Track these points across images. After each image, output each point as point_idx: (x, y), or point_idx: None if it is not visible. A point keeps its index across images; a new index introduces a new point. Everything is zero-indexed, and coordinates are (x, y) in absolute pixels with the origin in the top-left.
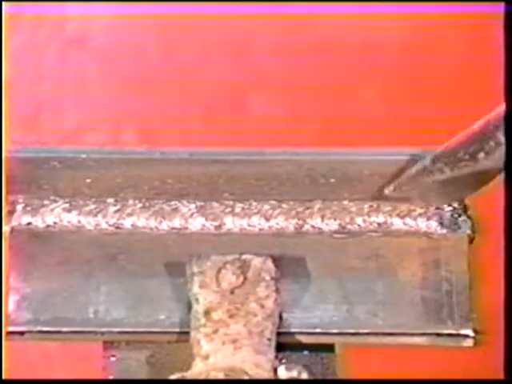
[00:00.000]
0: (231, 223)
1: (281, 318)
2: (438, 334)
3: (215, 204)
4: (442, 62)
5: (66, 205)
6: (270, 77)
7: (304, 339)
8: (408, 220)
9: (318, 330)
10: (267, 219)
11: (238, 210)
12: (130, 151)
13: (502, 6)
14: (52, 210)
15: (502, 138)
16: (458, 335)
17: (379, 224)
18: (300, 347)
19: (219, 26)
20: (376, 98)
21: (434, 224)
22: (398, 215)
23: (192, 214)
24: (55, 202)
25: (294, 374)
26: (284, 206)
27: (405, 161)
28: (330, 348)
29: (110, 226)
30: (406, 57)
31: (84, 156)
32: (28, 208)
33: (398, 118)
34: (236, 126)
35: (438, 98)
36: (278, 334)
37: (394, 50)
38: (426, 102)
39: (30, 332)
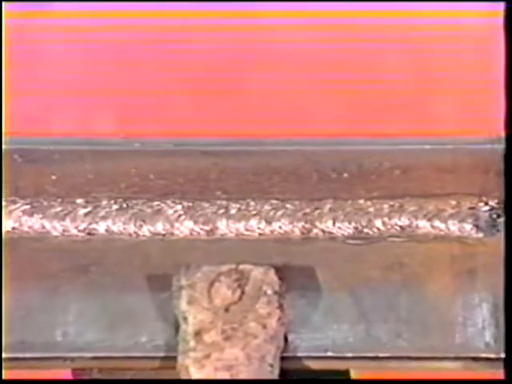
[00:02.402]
0: (225, 227)
1: (286, 339)
2: (475, 359)
3: (206, 204)
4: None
5: (27, 206)
6: (271, 51)
7: (313, 365)
8: (437, 222)
9: (329, 354)
10: (268, 222)
11: (233, 211)
12: (103, 141)
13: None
14: (10, 212)
15: None
16: (499, 360)
17: (402, 227)
18: (309, 374)
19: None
20: (398, 78)
21: (468, 227)
22: (424, 216)
23: (178, 217)
24: (14, 203)
25: None
26: (288, 206)
27: (431, 151)
28: (344, 375)
29: (79, 231)
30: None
31: (49, 147)
32: None
33: (423, 102)
34: (230, 110)
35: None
36: (283, 358)
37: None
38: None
39: None
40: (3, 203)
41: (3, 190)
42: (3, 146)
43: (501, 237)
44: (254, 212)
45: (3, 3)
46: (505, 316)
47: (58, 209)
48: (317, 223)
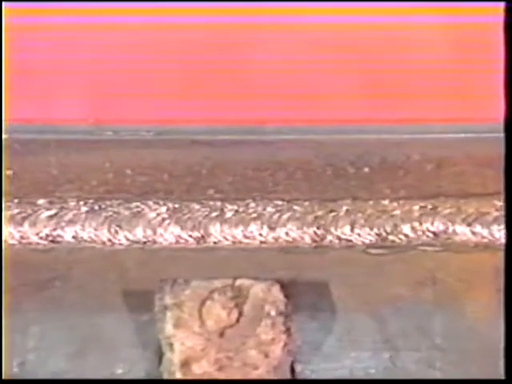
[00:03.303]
0: (219, 233)
1: (293, 370)
2: None
3: (195, 206)
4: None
5: None
6: (274, 23)
7: None
8: (478, 227)
9: None
10: (272, 228)
11: (228, 214)
12: (70, 129)
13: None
14: None
15: None
16: None
17: (436, 234)
18: None
19: None
20: (428, 52)
21: None
22: (463, 221)
23: (162, 221)
24: None
25: None
26: (296, 208)
27: (469, 140)
28: None
29: (41, 238)
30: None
31: (4, 136)
32: None
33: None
34: (225, 91)
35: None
36: None
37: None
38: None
39: None
40: (3, 203)
41: (3, 190)
42: (3, 146)
43: None
44: (254, 215)
45: (3, 3)
46: (505, 316)
47: (15, 211)
48: (331, 229)
